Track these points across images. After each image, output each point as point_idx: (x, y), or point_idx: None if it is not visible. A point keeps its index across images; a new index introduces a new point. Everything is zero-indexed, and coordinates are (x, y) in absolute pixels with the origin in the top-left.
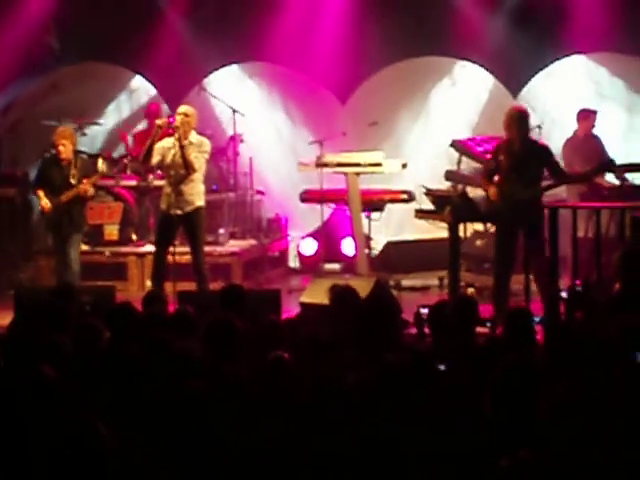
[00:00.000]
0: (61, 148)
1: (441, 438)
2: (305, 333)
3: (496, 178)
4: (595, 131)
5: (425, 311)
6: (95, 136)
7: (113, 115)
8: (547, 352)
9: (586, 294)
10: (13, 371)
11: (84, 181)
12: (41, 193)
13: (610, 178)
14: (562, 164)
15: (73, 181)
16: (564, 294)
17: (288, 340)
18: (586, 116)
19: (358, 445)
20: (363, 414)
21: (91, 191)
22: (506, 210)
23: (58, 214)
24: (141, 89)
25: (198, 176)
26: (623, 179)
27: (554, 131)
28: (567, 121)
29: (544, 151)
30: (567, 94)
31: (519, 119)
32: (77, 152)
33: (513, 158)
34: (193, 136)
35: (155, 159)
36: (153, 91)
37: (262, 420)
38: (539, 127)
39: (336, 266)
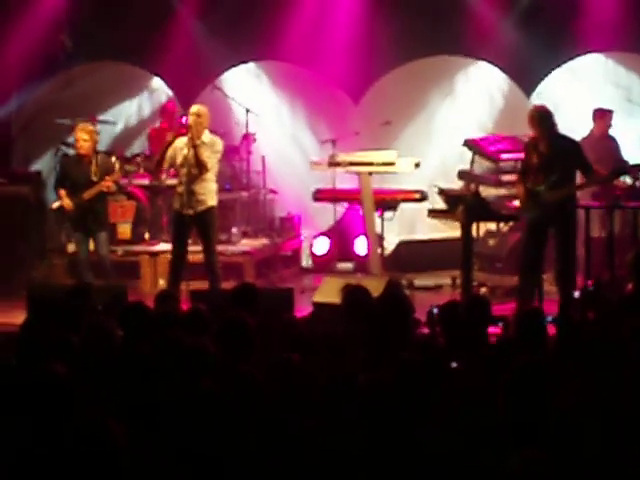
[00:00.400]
0: (82, 143)
1: (454, 436)
2: (318, 333)
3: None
4: (612, 132)
5: (437, 311)
6: (108, 135)
7: (126, 114)
8: (559, 352)
9: (598, 294)
10: (26, 370)
11: (106, 178)
12: (63, 192)
13: (624, 178)
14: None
15: (95, 178)
16: (576, 294)
17: (302, 339)
18: (602, 115)
19: (372, 444)
20: (377, 413)
21: (113, 187)
22: (533, 210)
23: (81, 212)
24: (154, 88)
25: (210, 176)
26: (638, 179)
27: (568, 130)
28: (581, 120)
29: (574, 148)
30: (584, 94)
31: (540, 118)
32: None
33: (541, 158)
34: (206, 135)
35: (167, 164)
36: (166, 90)
37: (276, 419)
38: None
39: (349, 265)
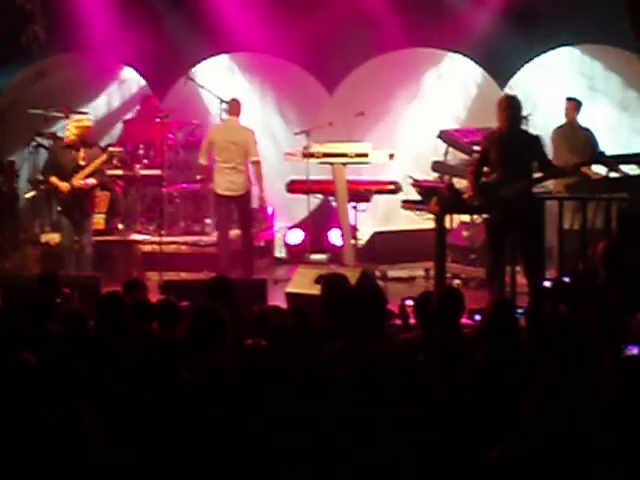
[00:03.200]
0: (72, 138)
1: (424, 429)
2: (292, 323)
3: (485, 169)
4: (585, 123)
5: (410, 302)
6: None
7: (100, 105)
8: (530, 344)
9: (574, 286)
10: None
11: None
12: (54, 179)
13: (599, 170)
14: (551, 154)
15: (82, 163)
16: (547, 284)
17: (274, 329)
18: (570, 105)
19: (347, 435)
20: (352, 404)
21: (90, 182)
22: (495, 203)
23: (70, 199)
24: (127, 79)
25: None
26: (616, 171)
27: (541, 122)
28: (555, 112)
29: (535, 141)
30: (555, 85)
31: (508, 107)
32: (55, 137)
33: (503, 149)
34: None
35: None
36: (139, 81)
37: (251, 408)
38: (526, 118)
39: (322, 256)
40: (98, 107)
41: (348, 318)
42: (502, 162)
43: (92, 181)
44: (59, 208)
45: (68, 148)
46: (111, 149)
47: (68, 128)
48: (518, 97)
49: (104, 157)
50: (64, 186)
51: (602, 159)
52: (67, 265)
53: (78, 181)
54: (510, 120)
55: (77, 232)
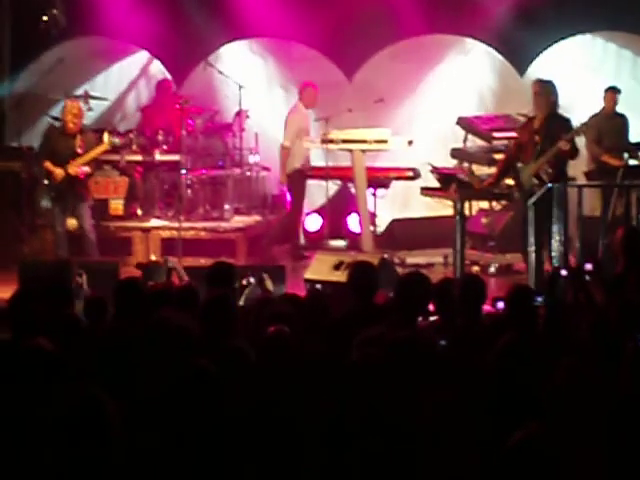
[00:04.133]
0: (71, 125)
1: (446, 415)
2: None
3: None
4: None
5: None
6: (99, 110)
7: (119, 90)
8: (549, 331)
9: (594, 273)
10: (17, 344)
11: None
12: (49, 164)
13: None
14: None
15: (80, 151)
16: (564, 273)
17: (297, 317)
18: (609, 93)
19: (363, 421)
20: (368, 390)
21: (85, 170)
22: (526, 188)
23: (64, 185)
24: (147, 65)
25: None
26: (637, 158)
27: (563, 109)
28: (573, 99)
29: (563, 125)
30: (574, 72)
31: (536, 92)
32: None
33: (531, 134)
34: None
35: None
36: (159, 67)
37: (268, 394)
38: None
39: (341, 243)
40: (116, 92)
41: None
42: (533, 144)
43: (87, 169)
44: (52, 193)
45: (65, 133)
46: (112, 140)
47: (70, 112)
48: (552, 81)
49: (104, 147)
50: (58, 172)
51: (623, 146)
52: (60, 253)
53: (74, 169)
54: (539, 105)
55: (76, 219)
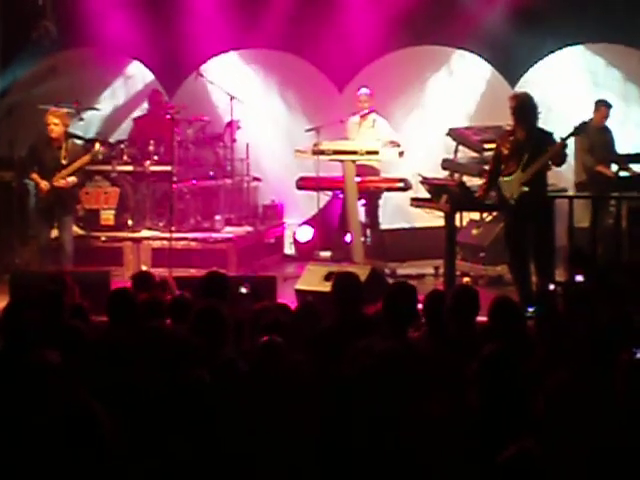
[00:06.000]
0: (52, 127)
1: (436, 427)
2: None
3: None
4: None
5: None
6: (91, 121)
7: (110, 100)
8: (540, 344)
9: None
10: (12, 355)
11: (76, 163)
12: (35, 175)
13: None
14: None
15: (64, 162)
16: (551, 286)
17: (286, 328)
18: (598, 108)
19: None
20: (361, 402)
21: (71, 180)
22: (510, 202)
23: (51, 197)
24: (138, 75)
25: None
26: (626, 169)
27: (552, 121)
28: (565, 111)
29: (547, 138)
30: (565, 84)
31: (515, 104)
32: (69, 134)
33: (512, 146)
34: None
35: None
36: (150, 77)
37: (261, 405)
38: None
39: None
40: (108, 103)
41: (368, 315)
42: (515, 155)
43: (73, 179)
44: (39, 205)
45: (51, 144)
46: (95, 148)
47: (51, 121)
48: (530, 94)
49: (87, 158)
50: (44, 184)
51: (613, 157)
52: (43, 263)
53: (59, 181)
54: (517, 117)
55: (58, 229)
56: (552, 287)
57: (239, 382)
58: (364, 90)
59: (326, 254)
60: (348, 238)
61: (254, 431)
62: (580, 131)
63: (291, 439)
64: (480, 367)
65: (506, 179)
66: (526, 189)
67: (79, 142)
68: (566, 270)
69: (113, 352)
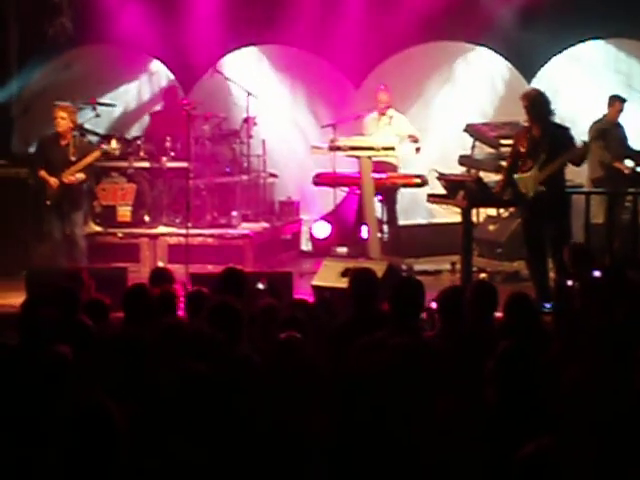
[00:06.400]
0: (59, 120)
1: (450, 425)
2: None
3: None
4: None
5: (434, 305)
6: (108, 118)
7: (126, 97)
8: (558, 339)
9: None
10: (29, 350)
11: (86, 159)
12: (44, 173)
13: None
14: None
15: (73, 158)
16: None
17: (303, 324)
18: (612, 103)
19: (369, 430)
20: (373, 398)
21: (79, 177)
22: (527, 198)
23: (60, 193)
24: (154, 72)
25: None
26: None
27: (570, 116)
28: (582, 106)
29: (564, 134)
30: (581, 79)
31: (533, 101)
32: (84, 130)
33: (529, 143)
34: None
35: None
36: (167, 73)
37: (276, 401)
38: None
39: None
40: (124, 99)
41: (386, 309)
42: (532, 153)
43: (81, 176)
44: (48, 202)
45: (58, 141)
46: (105, 147)
47: (59, 115)
48: (541, 90)
49: (97, 153)
50: (53, 181)
51: (628, 153)
52: (57, 259)
53: (68, 177)
54: (537, 117)
55: (68, 225)
56: (570, 283)
57: (255, 378)
58: (382, 87)
59: (342, 250)
60: (364, 234)
61: (269, 427)
62: (603, 137)
63: (306, 436)
64: (495, 364)
65: (523, 176)
66: (542, 188)
67: (89, 138)
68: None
69: (128, 348)
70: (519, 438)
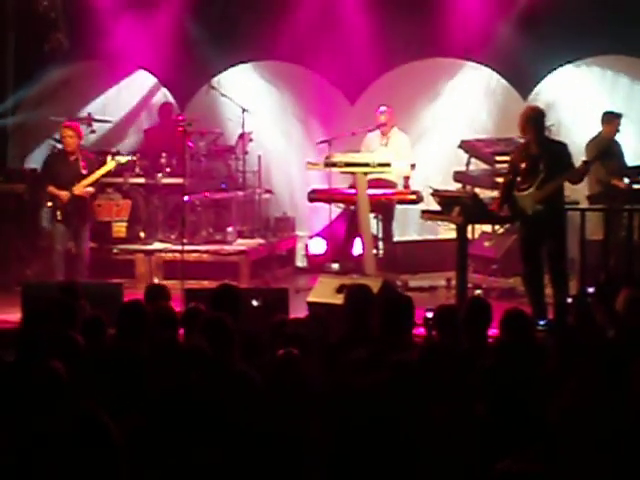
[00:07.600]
0: (67, 139)
1: (449, 439)
2: (315, 333)
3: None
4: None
5: (432, 313)
6: (102, 133)
7: (121, 112)
8: (556, 356)
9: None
10: (25, 366)
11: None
12: (52, 188)
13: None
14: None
15: (85, 172)
16: (569, 299)
17: (298, 340)
18: (610, 119)
19: (370, 446)
20: (374, 415)
21: (90, 190)
22: (523, 215)
23: (70, 206)
24: (148, 88)
25: None
26: (638, 182)
27: (566, 133)
28: (577, 122)
29: (562, 151)
30: (577, 96)
31: (529, 119)
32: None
33: (529, 161)
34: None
35: None
36: (161, 90)
37: (274, 417)
38: (549, 128)
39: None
40: (119, 114)
41: (375, 326)
42: (532, 171)
43: (90, 189)
44: (59, 217)
45: (67, 157)
46: (118, 158)
47: (66, 134)
48: (539, 107)
49: (112, 165)
50: (64, 195)
51: (624, 170)
52: (57, 273)
53: (80, 189)
54: (534, 134)
55: (75, 239)
56: (569, 300)
57: (253, 394)
58: (383, 107)
59: (335, 266)
60: (356, 250)
61: (267, 442)
62: (603, 156)
63: (305, 449)
64: (482, 379)
65: (521, 194)
66: (540, 207)
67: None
68: (578, 282)
69: (121, 364)
70: (505, 450)
